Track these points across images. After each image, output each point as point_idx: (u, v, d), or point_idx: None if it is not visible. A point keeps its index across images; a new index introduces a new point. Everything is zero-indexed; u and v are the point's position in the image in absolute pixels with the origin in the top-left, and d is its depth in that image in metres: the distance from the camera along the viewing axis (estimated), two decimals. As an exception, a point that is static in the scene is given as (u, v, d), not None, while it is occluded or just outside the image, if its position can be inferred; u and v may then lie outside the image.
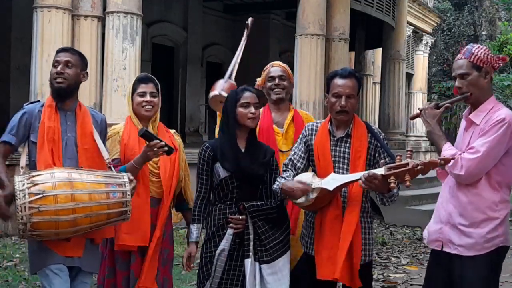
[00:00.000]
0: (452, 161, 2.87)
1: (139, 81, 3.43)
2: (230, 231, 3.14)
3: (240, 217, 3.14)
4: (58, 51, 3.21)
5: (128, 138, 3.35)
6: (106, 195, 2.89)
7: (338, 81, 3.10)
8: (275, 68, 3.84)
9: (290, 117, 3.79)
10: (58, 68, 3.09)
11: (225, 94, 3.57)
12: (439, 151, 3.02)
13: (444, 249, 3.03)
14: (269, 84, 3.80)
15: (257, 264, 3.13)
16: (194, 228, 3.22)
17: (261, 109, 3.57)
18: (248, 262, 3.12)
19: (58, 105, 3.11)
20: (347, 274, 2.98)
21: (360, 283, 3.00)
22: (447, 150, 2.96)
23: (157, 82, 3.48)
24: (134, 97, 3.40)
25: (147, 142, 3.14)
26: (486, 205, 2.92)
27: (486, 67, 2.96)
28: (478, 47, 3.00)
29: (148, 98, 3.36)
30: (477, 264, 2.93)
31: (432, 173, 3.28)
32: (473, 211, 2.93)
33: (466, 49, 3.01)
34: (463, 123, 3.13)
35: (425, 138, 17.24)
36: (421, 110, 3.08)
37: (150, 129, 3.37)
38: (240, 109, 3.18)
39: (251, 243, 3.13)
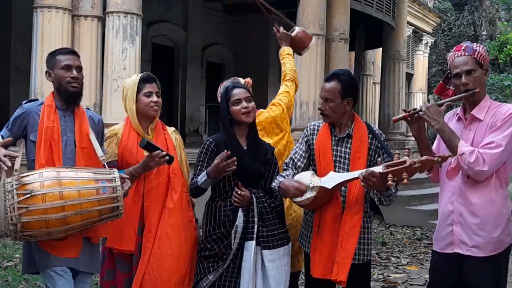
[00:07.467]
0: (471, 159, 2.79)
1: (144, 81, 3.36)
2: (240, 210, 3.16)
3: (240, 192, 3.14)
4: (63, 53, 3.16)
5: (127, 139, 3.31)
6: (96, 191, 2.88)
7: (323, 84, 3.19)
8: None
9: None
10: (75, 73, 3.11)
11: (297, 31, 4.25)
12: (452, 148, 2.88)
13: (455, 251, 2.94)
14: None
15: (258, 248, 3.16)
16: (201, 175, 3.19)
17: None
18: (252, 244, 3.14)
19: (58, 105, 3.12)
20: (343, 273, 2.98)
21: (343, 278, 2.98)
22: (464, 146, 2.85)
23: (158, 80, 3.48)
24: (140, 97, 3.33)
25: (148, 152, 3.13)
26: (496, 203, 2.88)
27: (486, 65, 2.96)
28: (477, 45, 2.98)
29: (155, 98, 3.34)
30: (492, 264, 2.89)
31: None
32: (484, 209, 2.88)
33: (465, 46, 2.97)
34: (453, 122, 3.05)
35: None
36: (416, 111, 2.94)
37: (150, 128, 3.36)
38: (233, 107, 3.22)
39: (255, 226, 3.16)
